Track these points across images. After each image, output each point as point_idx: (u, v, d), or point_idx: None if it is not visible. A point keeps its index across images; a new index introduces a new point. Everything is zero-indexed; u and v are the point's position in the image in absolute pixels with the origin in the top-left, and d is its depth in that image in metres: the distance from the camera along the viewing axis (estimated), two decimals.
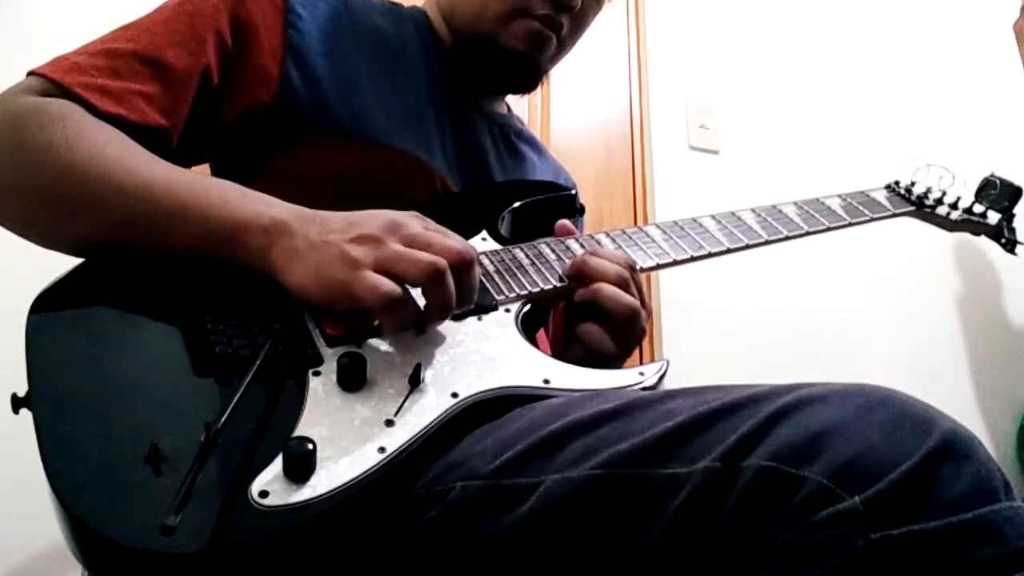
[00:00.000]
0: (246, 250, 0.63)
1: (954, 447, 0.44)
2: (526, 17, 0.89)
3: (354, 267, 0.59)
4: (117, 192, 0.63)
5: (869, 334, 1.81)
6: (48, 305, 0.60)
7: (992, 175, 1.10)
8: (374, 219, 0.63)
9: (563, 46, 0.94)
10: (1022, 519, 0.42)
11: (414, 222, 0.64)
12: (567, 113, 1.84)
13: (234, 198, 0.65)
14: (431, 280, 0.60)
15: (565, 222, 0.84)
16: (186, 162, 0.79)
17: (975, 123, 2.13)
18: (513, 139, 1.01)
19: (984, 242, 1.15)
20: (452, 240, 0.63)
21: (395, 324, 0.63)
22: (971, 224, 1.08)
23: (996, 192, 1.09)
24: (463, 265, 0.62)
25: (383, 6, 0.95)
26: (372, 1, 0.94)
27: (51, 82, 0.69)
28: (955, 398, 1.82)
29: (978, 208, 1.09)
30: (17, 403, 0.55)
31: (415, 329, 0.65)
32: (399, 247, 0.61)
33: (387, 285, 0.59)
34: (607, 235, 0.84)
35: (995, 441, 1.82)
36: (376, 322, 0.64)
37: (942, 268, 1.98)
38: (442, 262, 0.60)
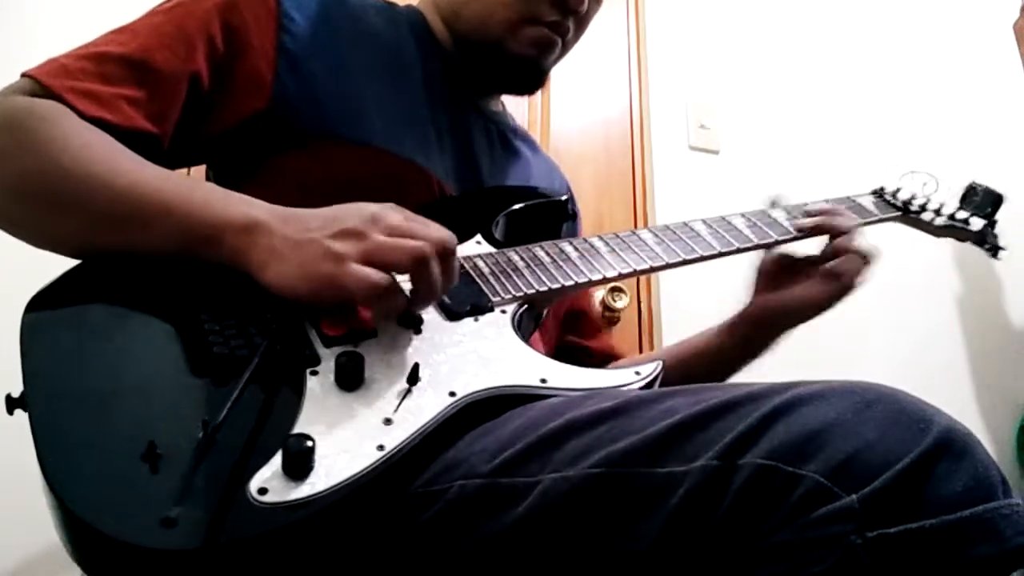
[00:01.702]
0: (225, 249, 0.63)
1: (951, 445, 0.44)
2: (535, 24, 0.89)
3: (340, 261, 0.60)
4: (101, 192, 0.64)
5: (869, 334, 1.80)
6: (43, 306, 0.60)
7: (974, 182, 1.11)
8: (353, 213, 0.63)
9: (566, 47, 0.95)
10: (1019, 517, 0.43)
11: (393, 213, 0.64)
12: (567, 113, 1.83)
13: (216, 199, 0.65)
14: (417, 264, 0.61)
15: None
16: (179, 165, 0.79)
17: (976, 123, 2.13)
18: (509, 136, 1.01)
19: None
20: (432, 228, 0.64)
21: (386, 311, 0.64)
22: (955, 230, 1.09)
23: (979, 198, 1.09)
24: (445, 252, 0.63)
25: (378, 5, 0.94)
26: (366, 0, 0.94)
27: (40, 85, 0.69)
28: (955, 398, 1.81)
29: (961, 214, 1.10)
30: (12, 404, 0.55)
31: (410, 328, 0.65)
32: (382, 237, 0.62)
33: (375, 275, 0.60)
34: (601, 239, 0.84)
35: (995, 441, 1.82)
36: (369, 315, 0.64)
37: (942, 268, 1.97)
38: (427, 247, 0.61)
